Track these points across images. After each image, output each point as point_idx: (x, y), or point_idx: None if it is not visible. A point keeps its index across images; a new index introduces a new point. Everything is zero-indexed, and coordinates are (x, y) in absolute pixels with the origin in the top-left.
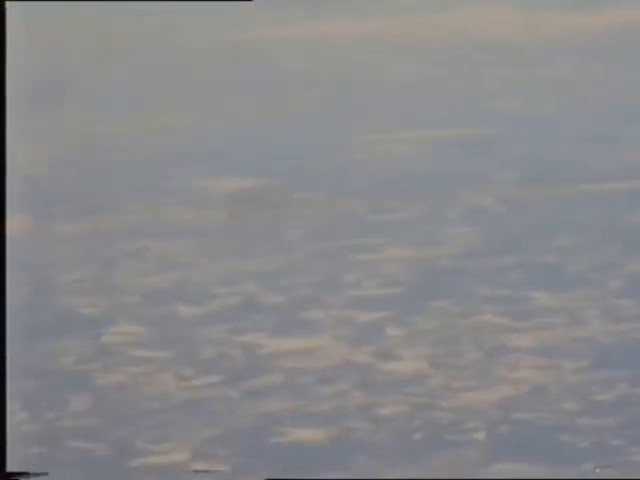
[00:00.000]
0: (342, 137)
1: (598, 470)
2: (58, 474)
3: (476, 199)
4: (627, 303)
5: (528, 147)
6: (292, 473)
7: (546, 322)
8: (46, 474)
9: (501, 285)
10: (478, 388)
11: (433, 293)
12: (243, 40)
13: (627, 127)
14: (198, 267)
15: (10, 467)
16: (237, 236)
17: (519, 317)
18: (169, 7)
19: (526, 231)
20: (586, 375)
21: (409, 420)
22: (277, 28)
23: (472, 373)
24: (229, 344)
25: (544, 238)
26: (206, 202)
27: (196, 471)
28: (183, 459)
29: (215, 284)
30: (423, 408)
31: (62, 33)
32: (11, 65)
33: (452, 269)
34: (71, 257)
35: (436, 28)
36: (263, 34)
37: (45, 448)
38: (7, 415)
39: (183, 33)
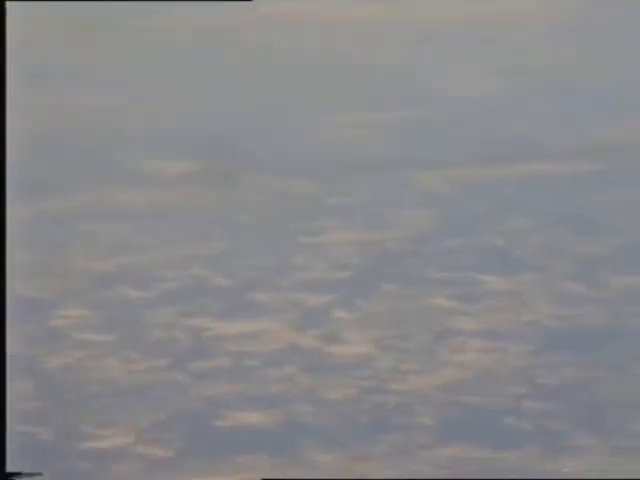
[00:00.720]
0: (293, 119)
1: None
2: None
3: (428, 182)
4: (576, 287)
5: (481, 129)
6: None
7: (494, 305)
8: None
9: (450, 268)
10: (425, 371)
11: (382, 276)
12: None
13: (581, 108)
14: (146, 250)
15: None
16: (186, 218)
17: (467, 300)
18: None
19: (477, 214)
20: (532, 359)
21: (356, 403)
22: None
23: (420, 356)
24: (176, 327)
25: (495, 221)
26: (155, 184)
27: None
28: (127, 443)
29: (163, 267)
30: (370, 391)
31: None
32: None
33: (402, 252)
34: (18, 239)
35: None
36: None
37: None
38: (7, 415)
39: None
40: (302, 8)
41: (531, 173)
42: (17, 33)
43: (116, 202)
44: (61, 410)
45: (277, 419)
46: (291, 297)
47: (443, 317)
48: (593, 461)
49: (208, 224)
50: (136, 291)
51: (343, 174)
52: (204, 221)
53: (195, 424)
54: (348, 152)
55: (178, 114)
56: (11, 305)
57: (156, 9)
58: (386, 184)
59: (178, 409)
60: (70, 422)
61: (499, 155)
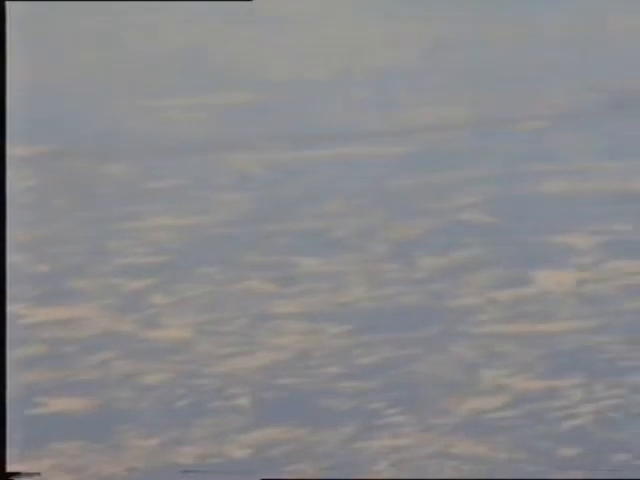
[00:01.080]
0: (116, 103)
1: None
2: None
3: (246, 165)
4: (391, 267)
5: (300, 113)
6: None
7: (311, 288)
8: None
9: (268, 252)
10: (243, 354)
11: (200, 261)
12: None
13: (401, 90)
14: None
15: None
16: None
17: (285, 283)
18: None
19: (296, 197)
20: (349, 339)
21: (173, 388)
22: None
23: (237, 340)
24: None
25: (313, 204)
26: None
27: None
28: None
29: None
30: (187, 376)
31: None
32: None
33: (220, 236)
34: None
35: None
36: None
37: None
38: (7, 415)
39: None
40: None
41: (346, 155)
42: None
43: None
44: None
45: (95, 405)
46: (109, 283)
47: (261, 300)
48: (407, 439)
49: (23, 208)
50: None
51: (165, 158)
52: (19, 205)
53: (11, 412)
54: (172, 136)
55: None
56: None
57: None
58: (205, 168)
59: None
60: None
61: (314, 138)
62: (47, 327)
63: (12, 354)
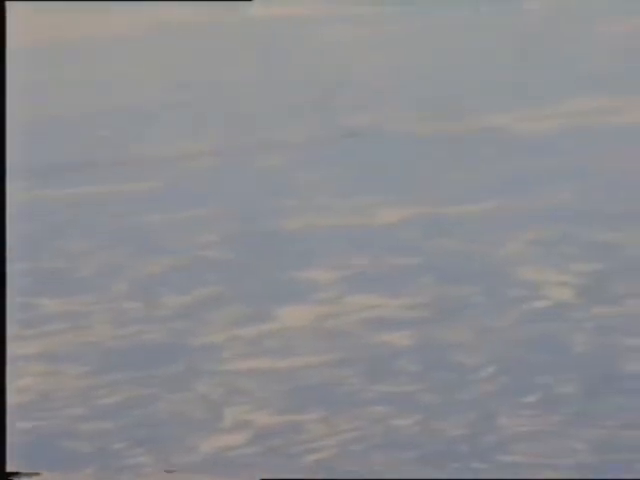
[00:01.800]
0: None
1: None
2: None
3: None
4: (132, 306)
5: (36, 150)
6: None
7: (53, 328)
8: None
9: (9, 293)
10: None
11: None
12: None
13: (142, 125)
14: None
15: None
16: None
17: (26, 325)
18: None
19: (36, 236)
20: (92, 379)
21: None
22: None
23: None
24: None
25: (53, 242)
26: None
27: None
28: None
29: None
30: None
31: None
32: None
33: None
34: None
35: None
36: None
37: None
38: (7, 415)
39: None
40: None
41: (86, 194)
42: None
43: None
44: None
45: None
46: None
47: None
48: (150, 479)
49: None
50: None
51: None
52: None
53: None
54: None
55: None
56: None
57: None
58: None
59: None
60: None
61: (54, 174)
62: None
63: None
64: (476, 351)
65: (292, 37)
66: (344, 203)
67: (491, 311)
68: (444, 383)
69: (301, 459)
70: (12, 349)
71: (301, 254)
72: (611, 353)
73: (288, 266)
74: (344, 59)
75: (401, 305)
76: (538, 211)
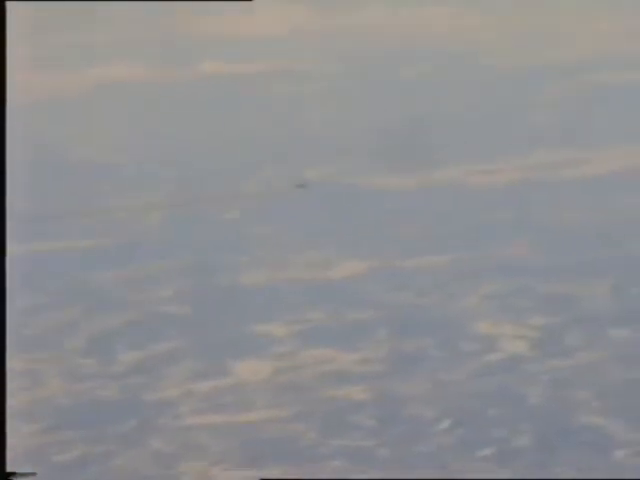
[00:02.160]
0: None
1: None
2: None
3: None
4: (87, 362)
5: None
6: None
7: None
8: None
9: None
10: None
11: None
12: None
13: (92, 179)
14: None
15: None
16: None
17: None
18: None
19: None
20: (45, 437)
21: None
22: None
23: None
24: None
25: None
26: None
27: None
28: None
29: None
30: None
31: None
32: None
33: None
34: None
35: None
36: None
37: None
38: (7, 415)
39: None
40: None
41: (39, 251)
42: None
43: None
44: None
45: None
46: None
47: None
48: None
49: None
50: None
51: None
52: None
53: None
54: None
55: None
56: None
57: None
58: None
59: None
60: None
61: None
62: None
63: None
64: (432, 404)
65: (240, 93)
66: (298, 257)
67: (447, 364)
68: (400, 437)
69: None
70: None
71: (257, 309)
72: (565, 405)
73: (244, 321)
74: (293, 114)
75: (357, 359)
76: (493, 264)
